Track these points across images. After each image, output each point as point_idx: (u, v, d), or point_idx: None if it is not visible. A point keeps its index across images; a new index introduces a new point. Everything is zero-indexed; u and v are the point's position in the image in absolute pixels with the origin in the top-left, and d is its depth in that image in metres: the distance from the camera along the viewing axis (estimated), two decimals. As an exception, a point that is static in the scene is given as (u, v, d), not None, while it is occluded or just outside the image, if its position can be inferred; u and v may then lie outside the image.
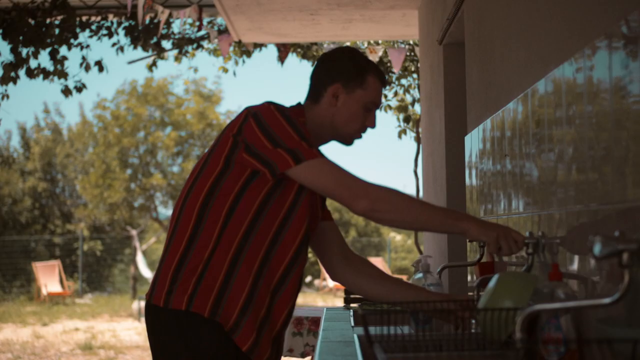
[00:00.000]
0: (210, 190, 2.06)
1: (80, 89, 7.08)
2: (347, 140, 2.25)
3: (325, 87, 2.20)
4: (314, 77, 2.25)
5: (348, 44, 7.69)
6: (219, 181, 2.06)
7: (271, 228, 2.06)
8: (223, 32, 7.40)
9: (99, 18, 7.13)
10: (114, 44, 7.27)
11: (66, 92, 7.01)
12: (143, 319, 13.44)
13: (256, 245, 2.04)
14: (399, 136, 7.98)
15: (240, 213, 2.03)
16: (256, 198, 2.04)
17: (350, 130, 2.21)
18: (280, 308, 2.08)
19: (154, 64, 8.23)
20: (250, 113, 2.08)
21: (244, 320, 2.01)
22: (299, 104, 2.25)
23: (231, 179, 2.05)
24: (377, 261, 19.32)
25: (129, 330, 12.43)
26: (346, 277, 2.32)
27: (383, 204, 2.00)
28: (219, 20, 7.62)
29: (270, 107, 2.09)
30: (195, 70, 8.98)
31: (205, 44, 7.99)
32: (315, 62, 2.28)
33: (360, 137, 2.25)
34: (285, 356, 4.11)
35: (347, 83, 2.19)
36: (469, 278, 3.37)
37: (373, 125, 2.24)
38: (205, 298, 2.00)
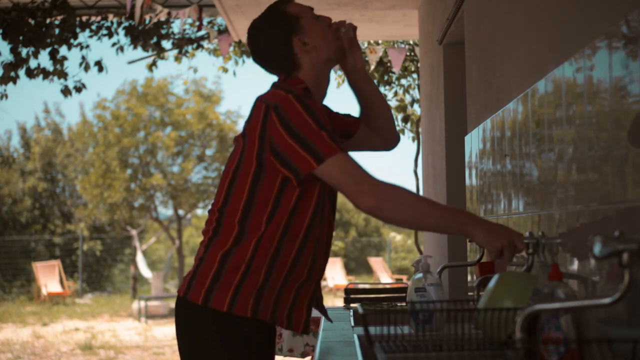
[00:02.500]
0: (249, 196, 2.09)
1: (80, 89, 7.08)
2: (342, 52, 2.28)
3: (289, 52, 2.20)
4: (277, 60, 2.22)
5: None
6: (255, 186, 2.08)
7: (301, 229, 2.10)
8: (223, 32, 7.40)
9: (98, 18, 7.13)
10: (114, 44, 7.27)
11: (66, 92, 7.01)
12: (143, 319, 13.49)
13: (289, 247, 2.09)
14: (398, 136, 7.97)
15: (277, 218, 2.07)
16: (289, 203, 2.08)
17: (335, 48, 2.24)
18: (312, 277, 2.15)
19: (154, 64, 8.23)
20: (271, 107, 2.07)
21: (279, 304, 2.08)
22: (294, 79, 2.21)
23: (267, 184, 2.07)
24: (377, 261, 19.32)
25: (129, 330, 12.43)
26: None
27: (390, 203, 1.99)
28: (219, 20, 7.62)
29: (289, 99, 2.07)
30: (195, 70, 8.98)
31: (205, 44, 7.99)
32: (253, 47, 2.26)
33: (352, 34, 2.27)
34: (285, 356, 4.11)
35: (291, 30, 2.19)
36: (469, 278, 3.37)
37: (330, 19, 2.26)
38: (246, 300, 2.05)
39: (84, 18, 7.07)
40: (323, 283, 18.88)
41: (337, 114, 2.41)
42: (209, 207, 2.20)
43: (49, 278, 16.96)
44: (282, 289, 2.09)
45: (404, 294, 3.32)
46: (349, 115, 2.42)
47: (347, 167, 2.02)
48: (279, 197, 2.07)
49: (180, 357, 2.19)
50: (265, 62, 2.25)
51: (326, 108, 2.34)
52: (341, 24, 2.28)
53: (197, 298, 2.07)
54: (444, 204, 2.14)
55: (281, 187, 2.07)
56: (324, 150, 2.01)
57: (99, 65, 7.17)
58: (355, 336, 2.27)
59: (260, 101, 2.11)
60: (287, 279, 2.09)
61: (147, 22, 7.14)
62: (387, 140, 2.48)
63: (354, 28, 2.30)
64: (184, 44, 7.78)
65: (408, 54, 7.41)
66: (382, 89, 7.99)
